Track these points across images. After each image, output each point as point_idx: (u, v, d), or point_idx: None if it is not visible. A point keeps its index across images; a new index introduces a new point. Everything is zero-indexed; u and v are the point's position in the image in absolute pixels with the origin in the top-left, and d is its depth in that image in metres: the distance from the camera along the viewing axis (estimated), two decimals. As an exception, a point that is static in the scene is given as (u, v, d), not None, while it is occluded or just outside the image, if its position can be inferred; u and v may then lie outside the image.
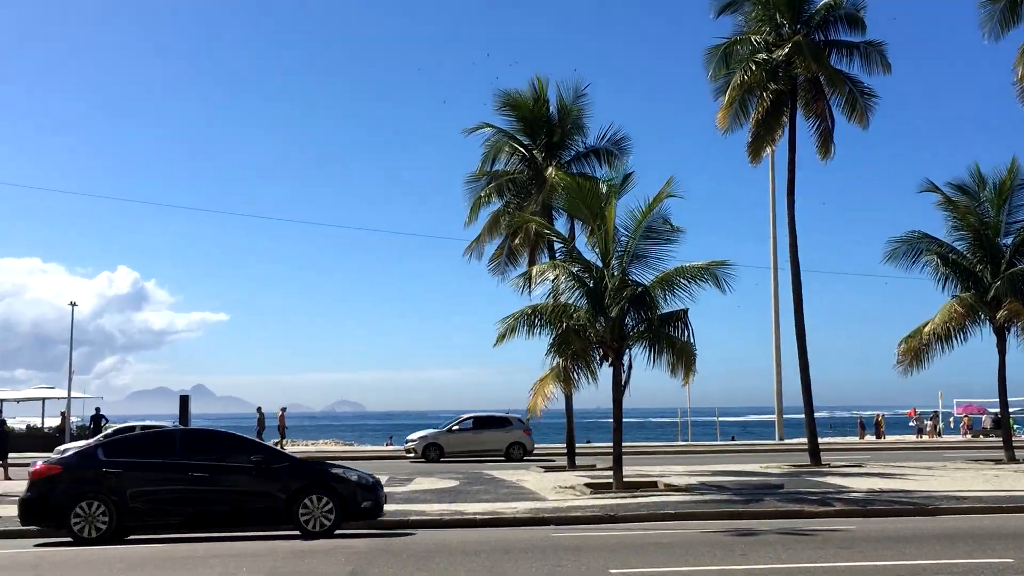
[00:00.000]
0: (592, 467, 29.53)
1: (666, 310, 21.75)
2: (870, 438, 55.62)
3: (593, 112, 31.28)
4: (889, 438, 55.50)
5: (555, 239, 25.67)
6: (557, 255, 24.80)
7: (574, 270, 22.01)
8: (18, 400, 54.52)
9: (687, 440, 53.69)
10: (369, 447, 52.16)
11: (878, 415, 58.81)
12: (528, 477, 25.92)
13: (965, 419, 59.14)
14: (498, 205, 31.27)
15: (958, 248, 31.03)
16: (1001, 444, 32.89)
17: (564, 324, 21.51)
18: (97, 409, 44.99)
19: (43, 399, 52.93)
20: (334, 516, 15.24)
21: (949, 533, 14.54)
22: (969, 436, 55.86)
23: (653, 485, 22.64)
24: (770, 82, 29.80)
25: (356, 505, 15.49)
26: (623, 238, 22.10)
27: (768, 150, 32.68)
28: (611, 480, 22.20)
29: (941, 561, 11.68)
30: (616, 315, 21.29)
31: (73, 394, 49.71)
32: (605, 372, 22.15)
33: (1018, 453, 31.56)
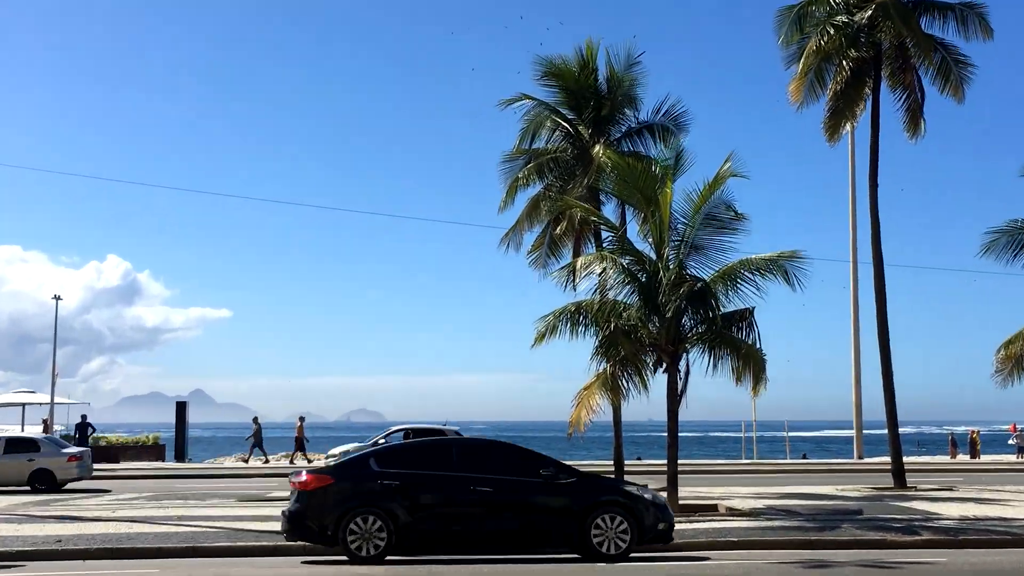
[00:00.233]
0: (642, 487, 29.43)
1: (728, 309, 21.75)
2: (963, 458, 55.14)
3: (647, 82, 31.14)
4: (985, 458, 55.00)
5: (603, 227, 25.66)
6: (605, 245, 24.78)
7: (624, 262, 22.01)
8: (-6, 405, 55.25)
9: (752, 458, 53.51)
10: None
11: (972, 431, 58.28)
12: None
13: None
14: (538, 188, 31.21)
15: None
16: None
17: (612, 324, 21.52)
18: (83, 417, 45.60)
19: (23, 405, 53.67)
20: (628, 538, 15.61)
21: (1055, 568, 14.41)
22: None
23: (713, 509, 22.60)
24: (850, 48, 29.58)
25: (652, 527, 15.89)
26: (680, 226, 22.09)
27: (848, 127, 32.47)
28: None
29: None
30: (672, 314, 21.27)
31: (56, 399, 50.34)
32: (658, 380, 22.17)
33: None
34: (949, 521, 20.44)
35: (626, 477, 30.17)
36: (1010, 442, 62.52)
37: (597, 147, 29.39)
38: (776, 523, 19.76)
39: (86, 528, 19.18)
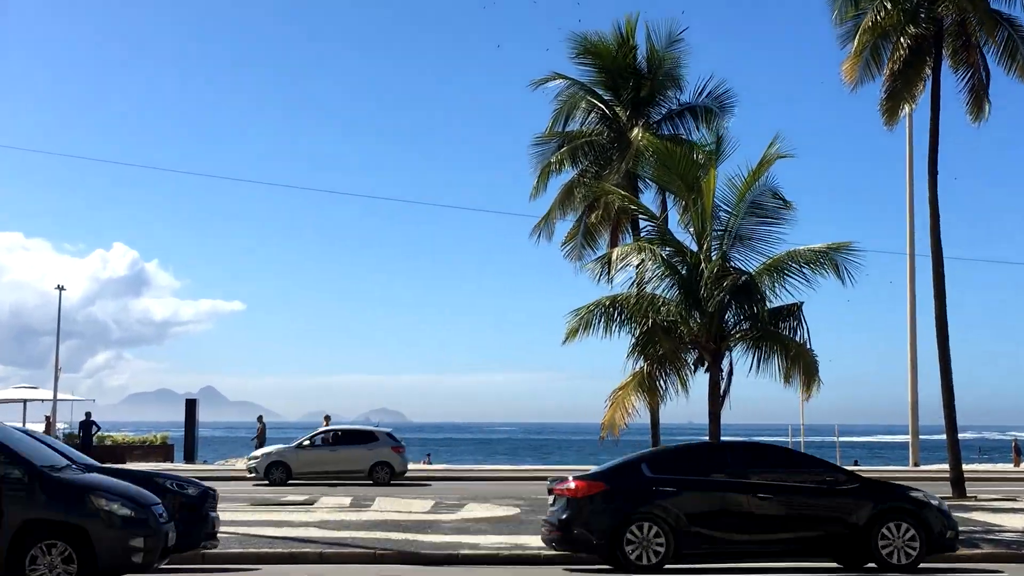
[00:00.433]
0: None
1: (775, 304, 21.71)
2: (1028, 466, 54.71)
3: (689, 61, 31.09)
4: (1052, 467, 54.53)
5: (641, 215, 25.62)
6: (643, 235, 24.76)
7: (664, 254, 21.98)
8: (-6, 402, 55.59)
9: (800, 464, 53.16)
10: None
11: (1039, 438, 57.80)
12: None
13: None
14: (572, 174, 31.23)
15: None
16: None
17: (650, 319, 21.51)
18: (87, 414, 45.89)
19: (24, 401, 54.08)
20: (917, 547, 15.72)
21: None
22: None
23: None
24: (909, 25, 29.37)
25: (942, 536, 16.02)
26: (723, 215, 22.05)
27: (906, 108, 32.22)
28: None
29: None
30: (714, 309, 21.24)
31: (60, 396, 50.75)
32: (699, 380, 22.15)
33: None
34: (1011, 534, 20.34)
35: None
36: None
37: (635, 130, 29.38)
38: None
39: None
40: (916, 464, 50.29)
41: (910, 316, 49.76)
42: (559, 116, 31.57)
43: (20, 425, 46.25)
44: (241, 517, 22.12)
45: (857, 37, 29.45)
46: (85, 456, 17.55)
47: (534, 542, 18.29)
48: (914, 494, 16.44)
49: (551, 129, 31.79)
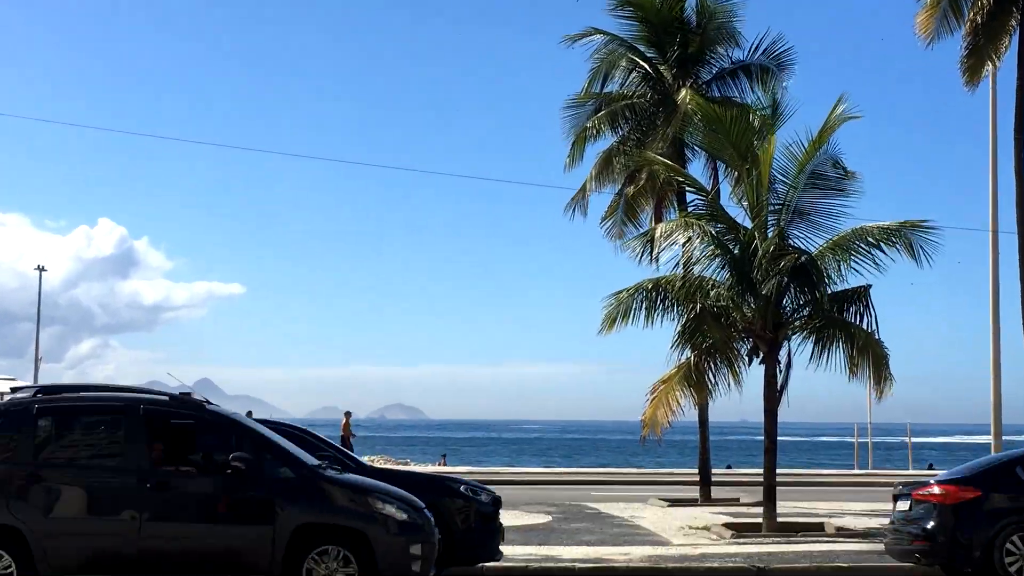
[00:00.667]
0: (734, 501, 29.46)
1: (838, 287, 21.64)
2: None
3: (744, 14, 30.94)
4: None
5: (688, 188, 25.55)
6: (690, 210, 24.71)
7: (714, 230, 21.93)
8: (-32, 394, 56.07)
9: (866, 467, 53.20)
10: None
11: None
12: (646, 513, 26.01)
13: None
14: (611, 141, 31.18)
15: None
16: None
17: (698, 305, 21.48)
18: (72, 408, 46.17)
19: (1, 394, 54.45)
20: None
21: None
22: None
23: (819, 528, 22.52)
24: (994, -31, 29.11)
25: None
26: (780, 187, 21.96)
27: (990, 67, 31.96)
28: (760, 520, 22.16)
29: None
30: (770, 293, 21.16)
31: (41, 388, 51.01)
32: (753, 372, 22.12)
33: None
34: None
35: (713, 490, 30.21)
36: None
37: (683, 91, 29.25)
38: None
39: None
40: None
41: (992, 301, 49.34)
42: (596, 76, 31.49)
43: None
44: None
45: (933, -17, 29.21)
46: (351, 453, 17.71)
47: (567, 553, 18.32)
48: None
49: (587, 90, 31.70)
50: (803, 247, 21.67)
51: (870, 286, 21.56)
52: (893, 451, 71.46)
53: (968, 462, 18.38)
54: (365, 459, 44.09)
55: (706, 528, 22.51)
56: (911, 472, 51.65)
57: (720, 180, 27.75)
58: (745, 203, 22.21)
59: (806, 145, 21.50)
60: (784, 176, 21.87)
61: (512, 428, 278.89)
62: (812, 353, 21.61)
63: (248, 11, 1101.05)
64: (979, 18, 29.49)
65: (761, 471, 22.86)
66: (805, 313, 21.70)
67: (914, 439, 63.91)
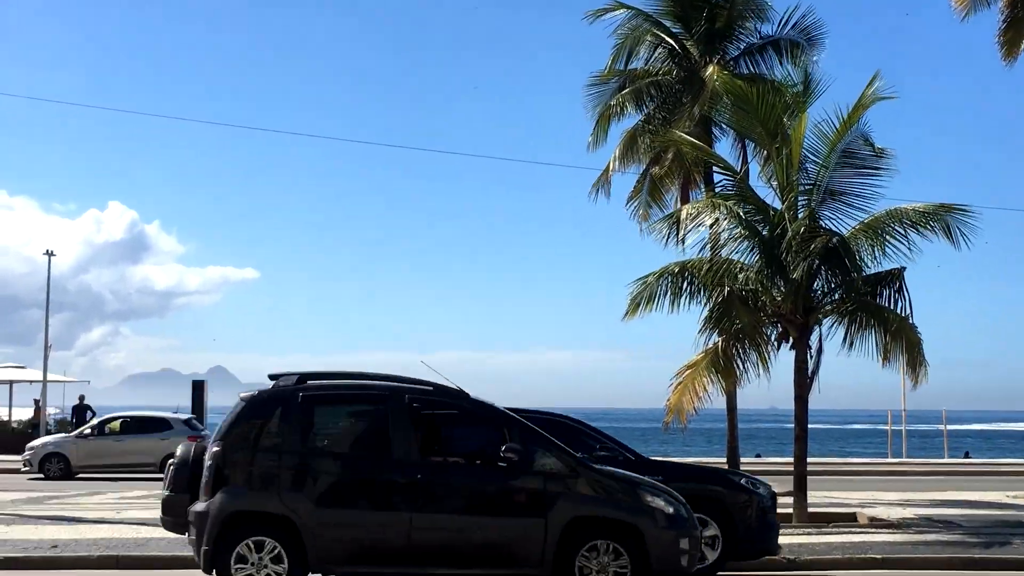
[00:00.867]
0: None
1: (871, 271, 21.58)
2: None
3: (773, -14, 30.79)
4: None
5: (716, 168, 25.53)
6: (718, 190, 24.66)
7: (742, 212, 21.88)
8: (-24, 383, 56.15)
9: (900, 456, 53.10)
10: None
11: None
12: (672, 503, 25.98)
13: None
14: (635, 120, 31.13)
15: None
16: None
17: (726, 289, 21.46)
18: (81, 398, 46.42)
19: (10, 382, 54.59)
20: None
21: None
22: None
23: (851, 518, 22.54)
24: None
25: None
26: (810, 167, 21.89)
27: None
28: (790, 510, 22.15)
29: None
30: (801, 276, 21.13)
31: (50, 376, 51.26)
32: (783, 358, 22.09)
33: None
34: None
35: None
36: None
37: (709, 68, 29.16)
38: (930, 537, 19.66)
39: (88, 532, 19.60)
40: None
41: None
42: (620, 52, 31.40)
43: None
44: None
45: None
46: (617, 444, 17.71)
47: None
48: None
49: (611, 67, 31.61)
50: (835, 229, 21.62)
51: (904, 269, 21.50)
52: (928, 439, 71.20)
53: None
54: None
55: (735, 518, 22.47)
56: (946, 461, 51.58)
57: (748, 159, 27.68)
58: (774, 183, 22.16)
59: (837, 124, 21.37)
60: (815, 155, 21.79)
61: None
62: (844, 338, 21.60)
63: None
64: (1018, -12, 29.35)
65: (791, 460, 22.81)
66: (836, 297, 21.67)
67: (949, 427, 63.73)
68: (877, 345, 21.33)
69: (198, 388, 50.22)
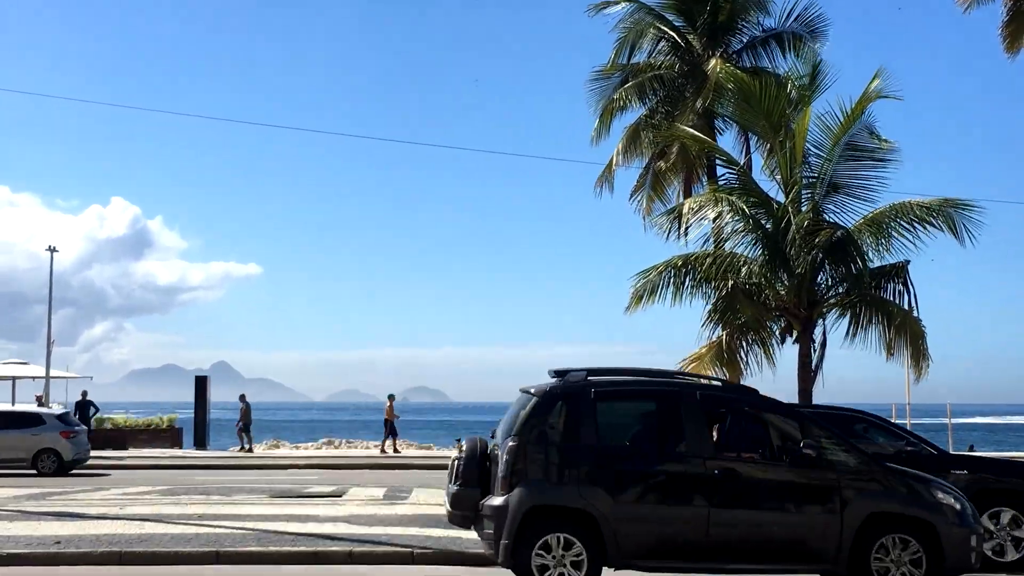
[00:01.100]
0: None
1: (875, 264, 21.57)
2: None
3: (773, -20, 30.80)
4: None
5: (719, 161, 25.52)
6: (721, 184, 24.65)
7: (745, 205, 21.86)
8: (-21, 379, 56.20)
9: (905, 450, 53.01)
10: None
11: None
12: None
13: None
14: (639, 114, 31.14)
15: None
16: None
17: (730, 282, 21.45)
18: (83, 393, 46.43)
19: (13, 378, 54.64)
20: None
21: None
22: None
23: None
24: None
25: None
26: (814, 160, 21.87)
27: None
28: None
29: None
30: (804, 270, 21.13)
31: (53, 372, 51.30)
32: (787, 352, 22.08)
33: None
34: None
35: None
36: None
37: (712, 61, 29.21)
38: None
39: (89, 527, 19.59)
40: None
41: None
42: (623, 46, 31.45)
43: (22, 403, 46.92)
44: (259, 511, 22.34)
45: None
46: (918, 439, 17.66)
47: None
48: None
49: (614, 61, 31.65)
50: (838, 222, 21.60)
51: (908, 262, 21.50)
52: (933, 432, 71.05)
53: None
54: (388, 444, 44.23)
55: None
56: (951, 454, 51.44)
57: (751, 153, 27.69)
58: (778, 176, 22.14)
59: (841, 117, 21.36)
60: (818, 148, 21.77)
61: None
62: (848, 332, 21.59)
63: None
64: (1021, -19, 29.32)
65: (795, 454, 22.77)
66: (841, 290, 21.64)
67: (955, 420, 63.64)
68: (881, 338, 21.32)
69: (201, 384, 50.27)
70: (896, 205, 21.58)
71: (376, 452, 45.47)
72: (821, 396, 22.00)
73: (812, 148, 21.81)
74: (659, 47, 31.12)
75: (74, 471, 34.78)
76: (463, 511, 13.94)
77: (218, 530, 19.34)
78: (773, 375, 22.45)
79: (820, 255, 21.21)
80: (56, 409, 38.95)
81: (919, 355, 21.39)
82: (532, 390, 13.92)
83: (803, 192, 21.77)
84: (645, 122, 30.70)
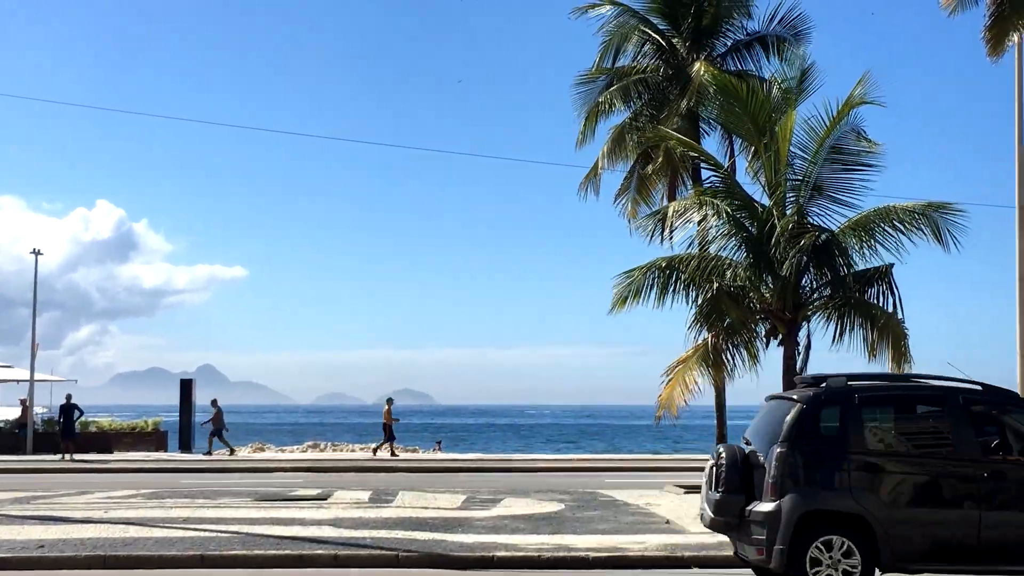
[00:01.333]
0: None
1: (859, 267, 21.58)
2: None
3: (758, -16, 30.83)
4: None
5: (704, 164, 25.53)
6: (706, 187, 24.65)
7: (730, 208, 21.86)
8: (-38, 383, 56.03)
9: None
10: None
11: None
12: (662, 500, 26.00)
13: None
14: (623, 117, 31.14)
15: None
16: None
17: (715, 285, 21.46)
18: (68, 397, 46.26)
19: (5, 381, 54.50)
20: None
21: None
22: None
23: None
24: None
25: None
26: (798, 162, 21.87)
27: (1015, 37, 31.86)
28: (779, 506, 22.15)
29: None
30: (789, 273, 21.13)
31: (37, 376, 51.08)
32: (772, 354, 22.10)
33: None
34: None
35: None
36: None
37: (697, 64, 29.22)
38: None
39: (74, 531, 19.54)
40: None
41: (1019, 281, 49.23)
42: (607, 49, 31.45)
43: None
44: (244, 514, 22.30)
45: (956, -50, 29.09)
46: None
47: (580, 542, 18.32)
48: None
49: (598, 65, 31.66)
50: (823, 225, 21.61)
51: (892, 265, 21.50)
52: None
53: None
54: (373, 447, 44.06)
55: (724, 515, 22.47)
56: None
57: (735, 155, 27.71)
58: (762, 179, 22.16)
59: (827, 120, 21.36)
60: (804, 151, 21.77)
61: (524, 413, 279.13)
62: (832, 334, 21.60)
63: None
64: (1004, -13, 29.37)
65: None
66: (826, 293, 21.65)
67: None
68: (865, 341, 21.34)
69: (186, 387, 50.18)
70: (880, 210, 21.59)
71: (362, 455, 45.33)
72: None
73: (797, 151, 21.81)
74: (644, 50, 31.12)
75: (58, 474, 34.58)
76: (727, 517, 14.15)
77: (203, 534, 19.30)
78: (758, 378, 22.49)
79: (804, 258, 21.21)
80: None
81: (900, 357, 21.41)
82: (794, 396, 14.17)
83: (788, 195, 21.78)
84: (630, 125, 30.69)
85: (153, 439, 49.34)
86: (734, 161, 27.13)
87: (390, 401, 47.59)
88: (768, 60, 30.03)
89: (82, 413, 46.13)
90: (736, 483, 14.00)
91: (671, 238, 23.58)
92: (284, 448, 51.93)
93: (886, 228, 21.35)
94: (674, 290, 22.09)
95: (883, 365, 21.72)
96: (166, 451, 48.41)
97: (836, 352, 21.61)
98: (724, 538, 19.07)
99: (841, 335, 21.46)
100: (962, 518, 13.18)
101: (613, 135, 31.20)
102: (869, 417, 13.90)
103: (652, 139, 28.54)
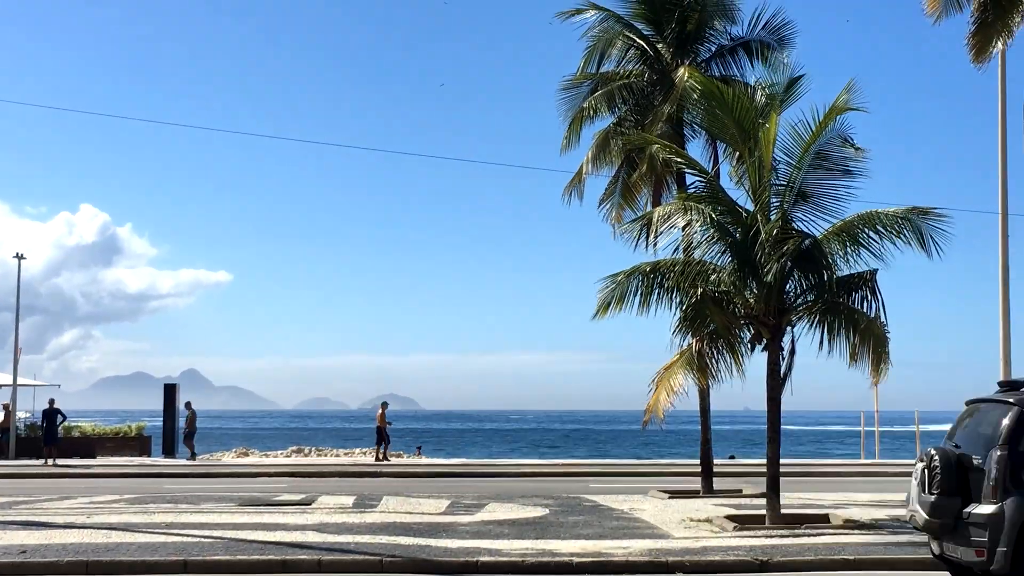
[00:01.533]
0: (736, 492, 29.52)
1: (843, 272, 21.58)
2: None
3: (743, -10, 30.85)
4: None
5: (688, 169, 25.52)
6: (690, 192, 24.66)
7: (714, 214, 21.84)
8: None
9: (873, 457, 53.30)
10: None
11: None
12: (646, 505, 26.04)
13: None
14: (608, 122, 31.17)
15: None
16: None
17: (699, 290, 21.46)
18: (51, 402, 46.18)
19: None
20: None
21: None
22: None
23: (824, 519, 22.55)
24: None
25: None
26: (783, 168, 21.87)
27: (999, 44, 31.95)
28: (763, 511, 22.19)
29: None
30: (773, 279, 21.13)
31: (20, 380, 51.00)
32: (756, 360, 22.10)
33: None
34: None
35: (715, 480, 30.21)
36: None
37: (681, 70, 29.19)
38: (904, 538, 19.61)
39: (56, 537, 19.51)
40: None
41: (1002, 285, 49.29)
42: (591, 55, 31.46)
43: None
44: (228, 519, 22.26)
45: (941, -43, 29.15)
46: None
47: (564, 547, 18.33)
48: None
49: (583, 70, 31.65)
50: (807, 230, 21.60)
51: (876, 271, 21.50)
52: (901, 440, 71.51)
53: None
54: (358, 452, 44.07)
55: (708, 520, 22.52)
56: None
57: (720, 161, 27.72)
58: (747, 184, 22.12)
59: (813, 125, 21.32)
60: (788, 156, 21.75)
61: (509, 419, 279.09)
62: (817, 340, 21.57)
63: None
64: (989, -7, 29.44)
65: (764, 461, 22.82)
66: (810, 299, 21.66)
67: (923, 427, 63.94)
68: (848, 347, 21.33)
69: (170, 392, 50.18)
70: (864, 215, 21.56)
71: (347, 460, 45.30)
72: (791, 404, 22.08)
73: (782, 156, 21.77)
74: (628, 56, 31.13)
75: (41, 479, 34.52)
76: (943, 519, 14.24)
77: (186, 539, 19.28)
78: (743, 383, 22.47)
79: (789, 264, 21.19)
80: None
81: (879, 360, 21.38)
82: (1010, 399, 14.25)
83: (772, 200, 21.77)
84: (615, 130, 30.72)
85: (136, 444, 49.34)
86: (718, 167, 27.13)
87: (384, 405, 47.64)
88: (752, 65, 30.07)
89: (65, 418, 46.07)
90: (952, 485, 14.13)
91: (656, 243, 23.54)
92: (268, 453, 51.97)
93: (870, 234, 21.32)
94: (658, 295, 22.07)
95: (863, 370, 21.73)
96: (149, 456, 48.42)
97: (819, 358, 21.61)
98: (709, 542, 19.16)
99: (824, 340, 21.43)
100: None
101: (598, 140, 31.22)
102: None
103: (636, 143, 28.54)
